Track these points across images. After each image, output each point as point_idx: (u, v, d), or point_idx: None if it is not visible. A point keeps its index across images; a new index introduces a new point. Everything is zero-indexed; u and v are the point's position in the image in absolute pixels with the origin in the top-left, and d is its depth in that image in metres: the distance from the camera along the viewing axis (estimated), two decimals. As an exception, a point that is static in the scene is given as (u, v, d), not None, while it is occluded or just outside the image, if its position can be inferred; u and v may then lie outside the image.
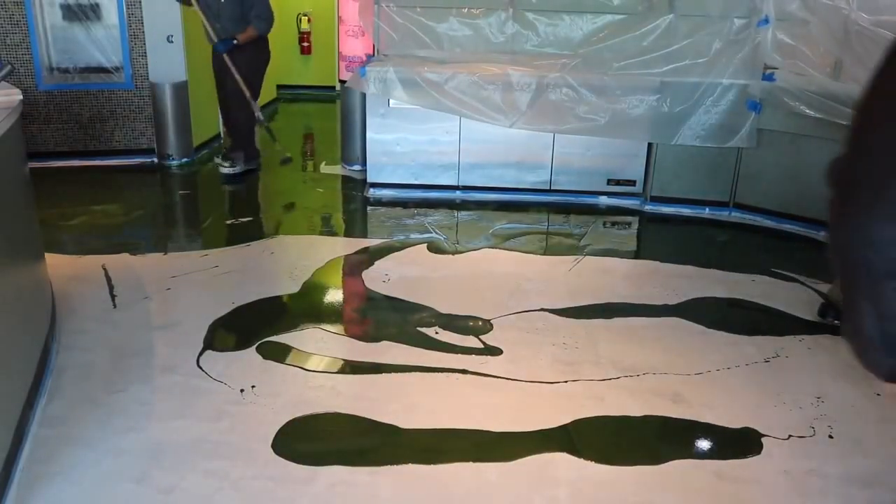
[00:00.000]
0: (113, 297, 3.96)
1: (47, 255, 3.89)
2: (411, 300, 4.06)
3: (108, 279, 4.17)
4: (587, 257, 4.77)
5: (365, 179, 6.01)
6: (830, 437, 2.95)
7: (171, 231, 5.43)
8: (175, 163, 6.57)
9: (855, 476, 2.72)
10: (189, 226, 5.61)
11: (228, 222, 5.34)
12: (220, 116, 6.52)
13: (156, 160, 6.57)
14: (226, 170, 6.27)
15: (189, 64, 6.47)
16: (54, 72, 6.29)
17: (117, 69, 6.37)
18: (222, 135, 6.59)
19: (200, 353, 3.41)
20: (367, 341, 3.63)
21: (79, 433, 2.81)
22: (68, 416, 2.92)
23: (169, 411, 2.97)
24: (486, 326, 3.77)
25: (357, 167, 6.40)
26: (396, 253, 4.76)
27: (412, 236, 5.07)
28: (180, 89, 6.47)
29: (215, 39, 5.90)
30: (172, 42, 6.36)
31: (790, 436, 2.94)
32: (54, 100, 6.30)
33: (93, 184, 6.05)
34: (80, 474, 2.59)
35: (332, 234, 5.35)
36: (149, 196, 6.06)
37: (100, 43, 6.28)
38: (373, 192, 5.92)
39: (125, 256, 4.50)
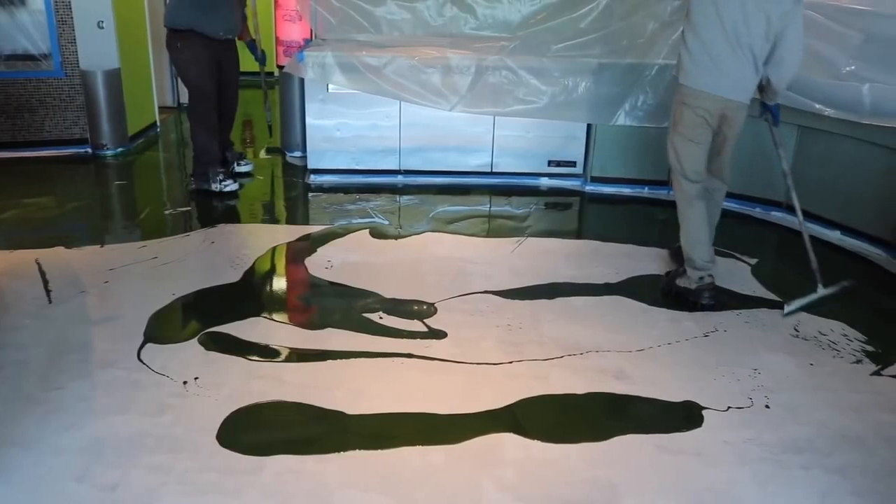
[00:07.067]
0: (48, 291, 3.86)
1: (-24, 251, 3.78)
2: (355, 286, 4.04)
3: (43, 274, 4.05)
4: (529, 238, 4.81)
5: (306, 166, 5.96)
6: (767, 406, 3.04)
7: (108, 223, 5.29)
8: (110, 153, 6.42)
9: (790, 442, 2.81)
10: (126, 217, 5.47)
11: (167, 212, 5.24)
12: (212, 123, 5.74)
13: (90, 150, 6.41)
14: (246, 167, 6.12)
15: (121, 50, 6.30)
16: (-22, 60, 6.07)
17: (45, 56, 6.17)
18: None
19: (141, 347, 3.34)
20: (311, 328, 3.61)
21: (16, 433, 2.73)
22: (4, 416, 2.83)
23: (110, 407, 2.91)
24: (431, 310, 3.78)
25: (297, 153, 6.33)
26: (339, 239, 4.73)
27: (354, 222, 5.04)
28: (113, 77, 6.31)
29: (252, 36, 5.87)
30: (103, 28, 6.19)
31: (729, 407, 3.02)
32: (-21, 90, 6.08)
33: (24, 176, 5.86)
34: (19, 475, 2.52)
35: (274, 221, 5.29)
36: (83, 187, 5.89)
37: (25, 29, 6.07)
38: (314, 179, 5.87)
39: (59, 250, 4.38)
